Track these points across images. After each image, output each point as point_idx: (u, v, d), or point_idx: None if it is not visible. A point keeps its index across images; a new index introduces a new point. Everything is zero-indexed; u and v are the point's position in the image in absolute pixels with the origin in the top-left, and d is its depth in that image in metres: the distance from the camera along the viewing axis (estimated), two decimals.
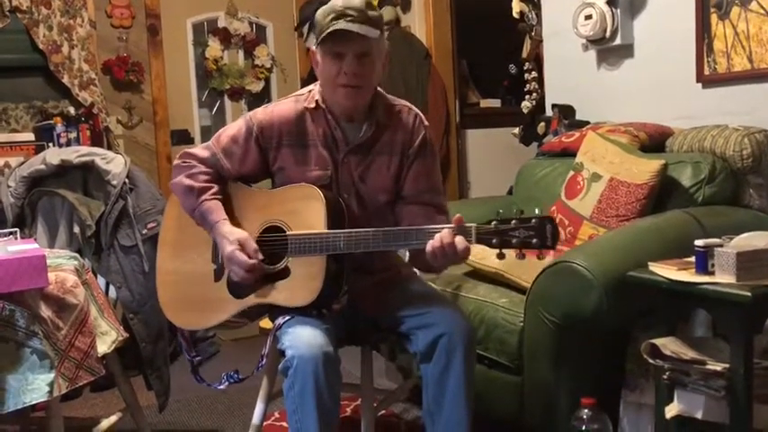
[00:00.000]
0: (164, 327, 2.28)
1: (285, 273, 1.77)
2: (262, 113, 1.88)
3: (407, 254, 2.14)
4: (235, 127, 1.90)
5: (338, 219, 1.77)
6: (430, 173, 1.90)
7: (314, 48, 1.80)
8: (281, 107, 1.88)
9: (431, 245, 1.62)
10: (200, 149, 1.92)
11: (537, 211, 1.59)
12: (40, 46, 3.74)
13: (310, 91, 1.89)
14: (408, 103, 1.94)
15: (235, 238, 1.77)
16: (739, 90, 2.49)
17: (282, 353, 1.68)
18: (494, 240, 1.59)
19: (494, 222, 1.60)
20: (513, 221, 1.58)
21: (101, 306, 2.05)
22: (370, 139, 1.85)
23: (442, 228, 1.64)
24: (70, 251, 2.16)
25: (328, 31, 1.71)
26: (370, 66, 1.76)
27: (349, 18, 1.70)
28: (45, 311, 1.78)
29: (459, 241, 1.61)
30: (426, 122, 1.93)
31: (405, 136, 1.87)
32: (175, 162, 1.93)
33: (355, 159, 1.85)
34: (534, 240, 1.56)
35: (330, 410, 1.63)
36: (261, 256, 1.76)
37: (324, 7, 1.76)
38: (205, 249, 1.90)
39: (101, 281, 2.26)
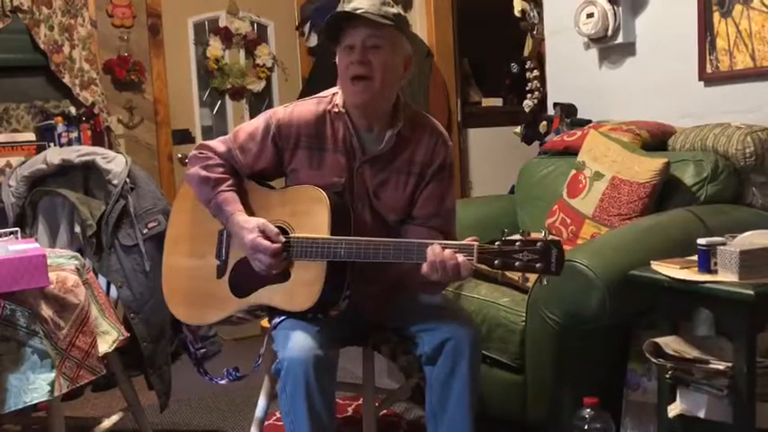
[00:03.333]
0: (165, 326, 2.28)
1: (285, 275, 1.76)
2: (282, 112, 1.85)
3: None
4: (254, 124, 1.88)
5: (343, 224, 1.74)
6: (443, 197, 1.83)
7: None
8: (302, 108, 1.84)
9: (431, 252, 1.58)
10: (217, 143, 1.89)
11: (543, 234, 1.54)
12: (41, 46, 3.73)
13: (334, 94, 1.84)
14: (434, 121, 1.87)
15: (254, 225, 1.74)
16: (742, 88, 2.48)
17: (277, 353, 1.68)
18: (496, 261, 1.53)
19: (497, 242, 1.54)
20: (518, 243, 1.52)
21: (102, 305, 2.05)
22: (390, 152, 1.80)
23: (447, 243, 1.60)
24: (71, 251, 2.16)
25: (332, 14, 1.67)
26: (380, 58, 1.70)
27: (360, 10, 1.68)
28: (46, 311, 1.77)
29: (461, 257, 1.56)
30: (450, 143, 1.86)
31: (425, 156, 1.81)
32: (191, 153, 1.92)
33: (371, 171, 1.81)
34: (538, 265, 1.50)
35: (322, 412, 1.62)
36: (283, 239, 1.72)
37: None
38: (210, 245, 1.89)
39: (102, 280, 2.26)
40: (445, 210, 1.85)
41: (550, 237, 1.53)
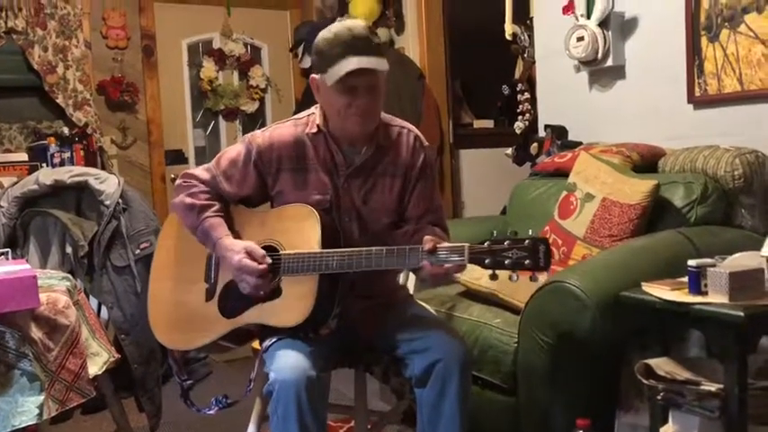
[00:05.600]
0: (156, 348, 2.26)
1: (277, 292, 1.76)
2: (260, 137, 1.86)
3: (401, 276, 2.14)
4: (234, 150, 1.89)
5: (332, 240, 1.76)
6: (431, 194, 1.91)
7: (317, 77, 1.77)
8: (281, 131, 1.86)
9: (424, 274, 1.65)
10: (200, 171, 1.91)
11: (530, 233, 1.59)
12: (35, 66, 3.75)
13: (309, 115, 1.87)
14: (407, 124, 1.93)
15: (241, 247, 1.76)
16: (730, 111, 2.51)
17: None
18: (486, 260, 1.59)
19: (487, 242, 1.59)
20: (507, 242, 1.57)
21: (92, 327, 2.04)
22: (371, 160, 1.84)
23: (440, 246, 1.63)
24: (62, 271, 2.15)
25: (344, 72, 1.67)
26: (379, 95, 1.77)
27: (359, 51, 1.68)
28: (36, 332, 1.76)
29: (448, 265, 1.62)
30: (426, 143, 1.93)
31: (406, 158, 1.87)
32: (177, 182, 1.93)
33: (357, 183, 1.84)
34: (527, 261, 1.56)
35: None
36: (270, 260, 1.74)
37: (327, 36, 1.72)
38: (198, 269, 1.89)
39: (93, 301, 2.25)
40: (435, 205, 1.92)
41: (537, 235, 1.59)
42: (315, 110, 1.88)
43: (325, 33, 1.74)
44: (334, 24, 1.77)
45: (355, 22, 1.76)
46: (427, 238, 1.65)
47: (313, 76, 1.80)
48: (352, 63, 1.68)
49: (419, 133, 1.92)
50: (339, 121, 1.78)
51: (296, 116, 1.91)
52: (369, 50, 1.70)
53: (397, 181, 1.86)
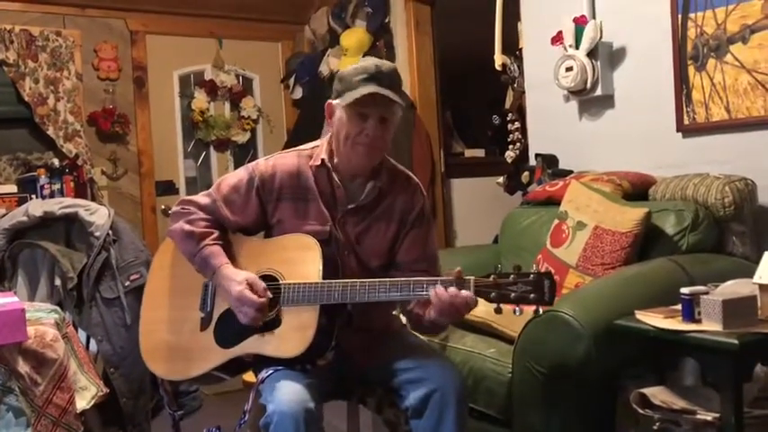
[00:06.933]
0: (145, 381, 2.23)
1: (276, 323, 1.74)
2: (264, 165, 1.87)
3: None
4: (236, 176, 1.89)
5: (332, 271, 1.75)
6: (425, 242, 1.90)
7: (334, 102, 1.80)
8: (284, 161, 1.87)
9: (435, 297, 1.61)
10: (199, 197, 1.90)
11: (534, 268, 1.60)
12: (26, 98, 3.75)
13: (314, 147, 1.89)
14: (409, 172, 1.95)
15: (242, 278, 1.75)
16: (718, 139, 2.53)
17: (265, 408, 1.65)
18: (492, 294, 1.59)
19: (492, 276, 1.60)
20: (512, 276, 1.58)
21: (81, 360, 2.01)
22: (372, 202, 1.85)
23: (439, 279, 1.63)
24: (51, 304, 2.13)
25: (361, 94, 1.71)
26: (388, 130, 1.80)
27: (380, 83, 1.73)
28: (23, 366, 1.74)
29: (465, 293, 1.61)
30: (425, 193, 1.95)
31: (405, 204, 1.88)
32: (174, 209, 1.92)
33: (353, 220, 1.85)
34: (532, 296, 1.56)
35: None
36: (270, 295, 1.73)
37: (354, 66, 1.78)
38: (193, 298, 1.87)
39: (81, 334, 2.22)
40: (430, 253, 1.89)
41: (542, 269, 1.59)
42: (320, 143, 1.89)
43: (352, 65, 1.79)
44: (364, 58, 1.81)
45: (385, 61, 1.80)
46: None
47: (330, 101, 1.82)
48: (369, 88, 1.71)
49: (419, 182, 1.95)
50: (346, 149, 1.79)
51: (300, 147, 1.91)
52: (390, 85, 1.75)
53: (392, 226, 1.87)
